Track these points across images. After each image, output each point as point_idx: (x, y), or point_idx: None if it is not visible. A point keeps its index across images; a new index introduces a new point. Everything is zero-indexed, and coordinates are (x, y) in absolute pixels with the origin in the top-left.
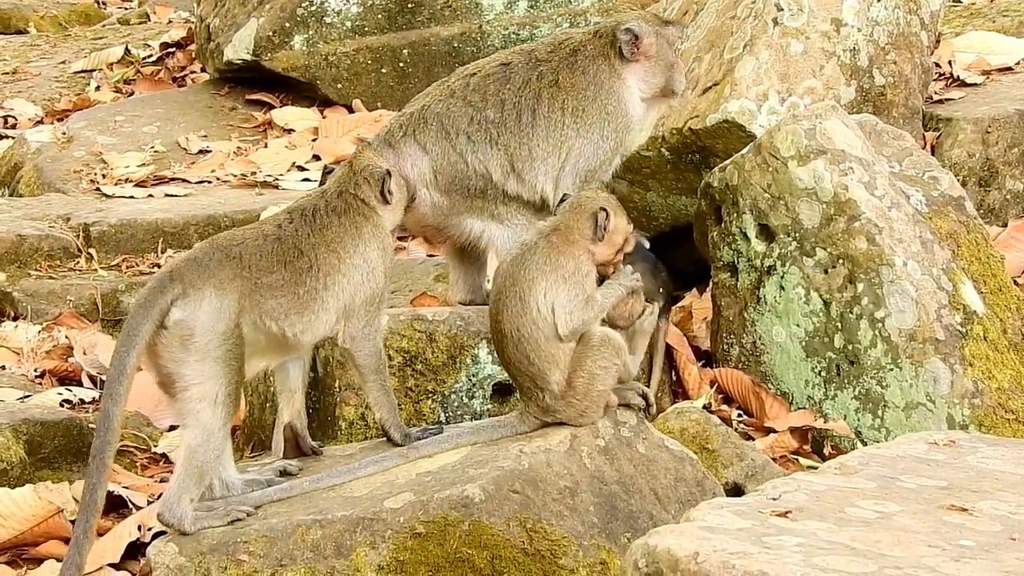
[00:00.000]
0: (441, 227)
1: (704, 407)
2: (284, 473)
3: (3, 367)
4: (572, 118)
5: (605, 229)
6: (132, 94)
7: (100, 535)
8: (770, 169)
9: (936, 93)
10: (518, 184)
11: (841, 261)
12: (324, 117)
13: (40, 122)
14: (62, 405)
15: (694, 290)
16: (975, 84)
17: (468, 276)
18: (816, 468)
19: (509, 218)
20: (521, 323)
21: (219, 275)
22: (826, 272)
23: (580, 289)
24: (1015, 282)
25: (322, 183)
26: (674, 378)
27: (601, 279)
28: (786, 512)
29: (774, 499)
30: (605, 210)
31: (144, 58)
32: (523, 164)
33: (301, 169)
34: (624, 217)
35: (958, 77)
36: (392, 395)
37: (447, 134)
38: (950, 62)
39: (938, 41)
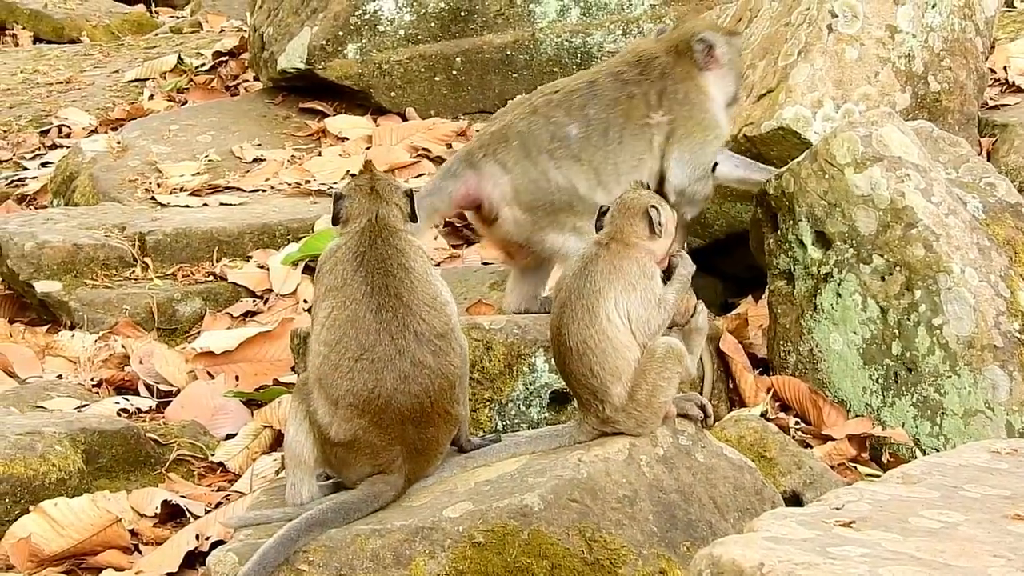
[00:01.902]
0: (524, 243)
1: (761, 415)
2: None
3: (60, 376)
4: (664, 137)
5: (660, 224)
6: (185, 103)
7: (158, 544)
8: (826, 176)
9: (991, 99)
10: (605, 197)
11: (898, 268)
12: (378, 125)
13: (94, 131)
14: (119, 414)
15: (749, 297)
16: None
17: (526, 286)
18: (875, 476)
19: (591, 232)
20: (589, 335)
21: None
22: (883, 279)
23: (650, 292)
24: None
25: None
26: (731, 386)
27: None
28: (850, 522)
29: (837, 509)
30: (655, 207)
31: (197, 67)
32: (609, 178)
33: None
34: (669, 206)
35: (1013, 83)
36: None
37: (528, 152)
38: (1005, 67)
39: (993, 47)
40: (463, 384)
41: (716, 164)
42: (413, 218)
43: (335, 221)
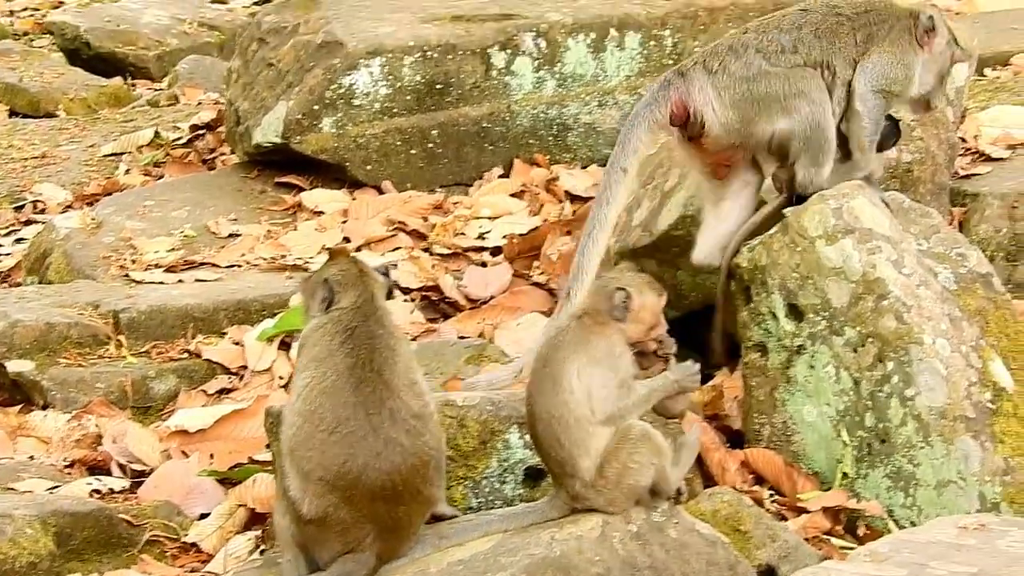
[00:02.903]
0: (738, 144)
1: (736, 488)
2: None
3: (32, 457)
4: (864, 48)
5: (625, 308)
6: (161, 177)
7: None
8: (798, 249)
9: (962, 168)
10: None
11: (870, 340)
12: (354, 199)
13: (69, 207)
14: (91, 495)
15: (725, 369)
16: (1001, 159)
17: (721, 228)
18: (850, 549)
19: (798, 107)
20: (553, 404)
21: None
22: (856, 351)
23: (614, 372)
24: None
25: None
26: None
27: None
28: None
29: None
30: (623, 289)
31: (173, 140)
32: (829, 64)
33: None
34: (654, 295)
35: (984, 152)
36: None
37: (737, 53)
38: (976, 137)
39: (964, 116)
40: (438, 466)
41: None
42: (389, 296)
43: (328, 305)
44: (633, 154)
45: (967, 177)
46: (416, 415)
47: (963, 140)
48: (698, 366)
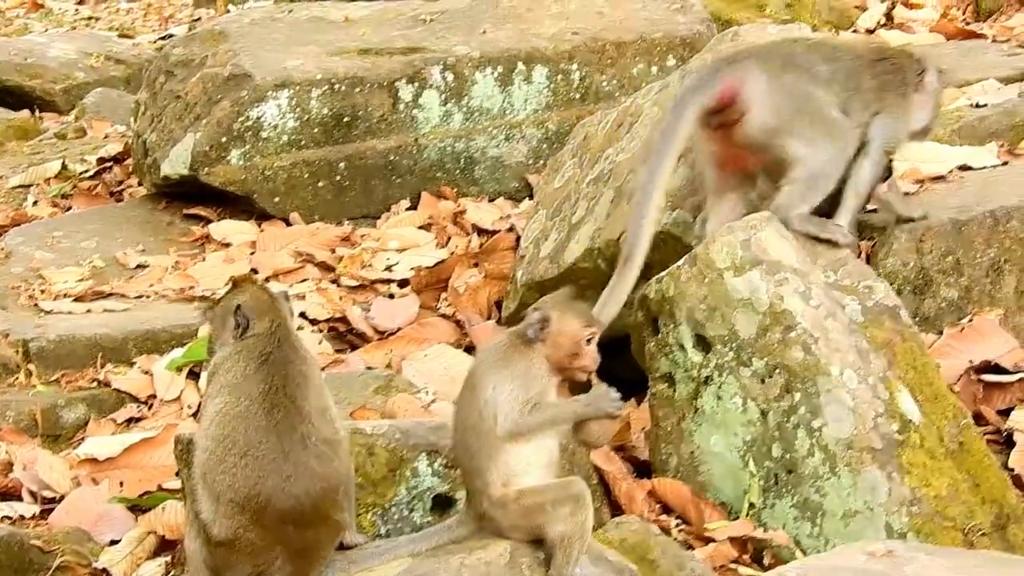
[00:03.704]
0: (762, 146)
1: (643, 517)
2: None
3: None
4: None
5: (540, 330)
6: (69, 208)
7: None
8: (706, 280)
9: (872, 201)
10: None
11: (778, 371)
12: (262, 231)
13: None
14: (2, 521)
15: (632, 400)
16: (908, 193)
17: (725, 220)
18: None
19: (823, 146)
20: (467, 413)
21: None
22: (763, 382)
23: (524, 391)
24: (952, 389)
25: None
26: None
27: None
28: None
29: None
30: (538, 310)
31: (81, 173)
32: (848, 108)
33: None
34: (577, 322)
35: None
36: None
37: (785, 65)
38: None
39: None
40: (347, 492)
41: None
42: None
43: (242, 330)
44: (678, 134)
45: (875, 211)
46: (327, 440)
47: None
48: (616, 393)
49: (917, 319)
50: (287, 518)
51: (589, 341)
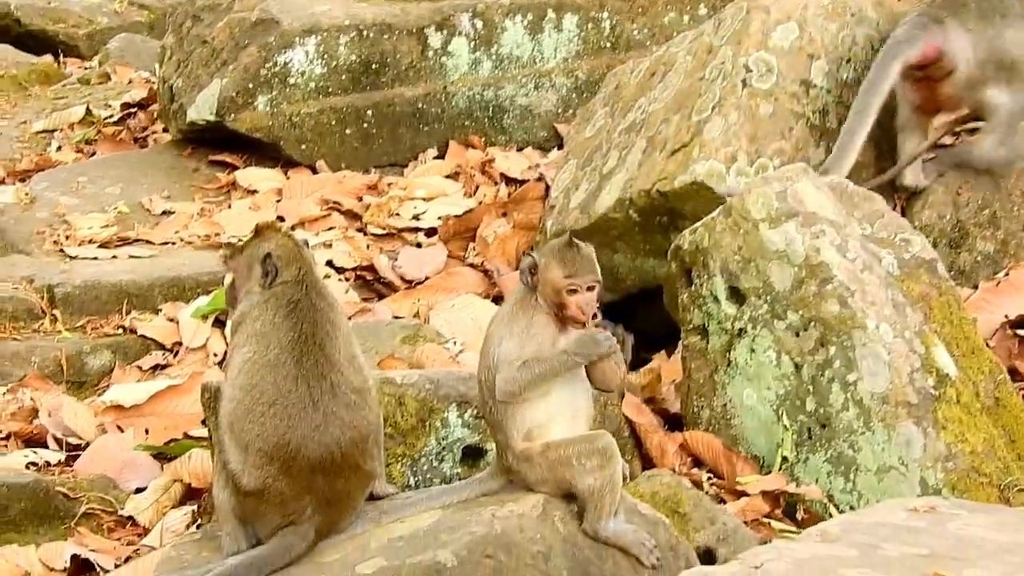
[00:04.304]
0: (964, 97)
1: (674, 471)
2: None
3: None
4: None
5: (531, 276)
6: (94, 154)
7: None
8: (741, 231)
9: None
10: None
11: (813, 324)
12: (288, 178)
13: (2, 182)
14: (28, 468)
15: (663, 352)
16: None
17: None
18: (790, 532)
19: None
20: (480, 369)
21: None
22: (797, 335)
23: (519, 348)
24: (987, 344)
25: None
26: (642, 447)
27: None
28: None
29: (756, 568)
30: (530, 255)
31: (105, 118)
32: None
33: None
34: (558, 270)
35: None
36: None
37: (984, 14)
38: None
39: None
40: (377, 440)
41: None
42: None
43: (270, 278)
44: (886, 81)
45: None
46: (356, 389)
47: None
48: (606, 333)
49: (952, 272)
50: (317, 467)
51: (573, 291)
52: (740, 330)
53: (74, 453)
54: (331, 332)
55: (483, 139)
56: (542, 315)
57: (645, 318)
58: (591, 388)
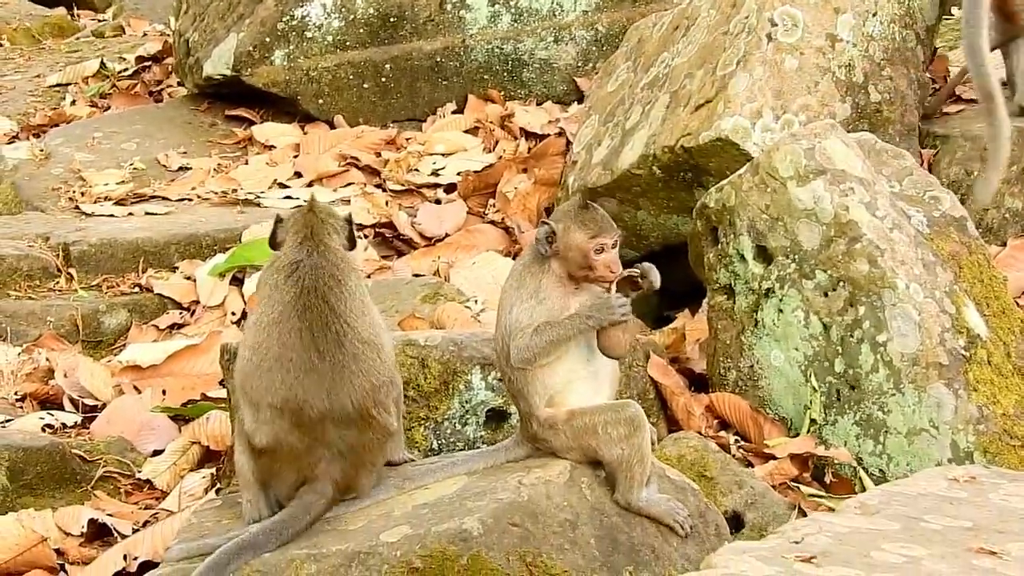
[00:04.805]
0: None
1: (701, 433)
2: None
3: None
4: None
5: (549, 244)
6: (108, 108)
7: (85, 564)
8: (768, 189)
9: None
10: None
11: (842, 284)
12: (305, 133)
13: (16, 137)
14: (44, 430)
15: (686, 311)
16: (972, 100)
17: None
18: (818, 496)
19: None
20: (496, 336)
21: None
22: (826, 295)
23: (529, 315)
24: (1016, 303)
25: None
26: (667, 410)
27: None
28: (811, 557)
29: (796, 543)
30: (546, 223)
31: (120, 72)
32: None
33: (282, 186)
34: (582, 234)
35: (954, 92)
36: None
37: None
38: (945, 77)
39: (933, 56)
40: (390, 392)
41: None
42: (351, 244)
43: (273, 243)
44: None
45: (936, 118)
46: (364, 340)
47: (933, 81)
48: (621, 298)
49: (980, 230)
50: (327, 416)
51: (600, 251)
52: (767, 290)
53: (91, 415)
54: (335, 287)
55: (502, 93)
56: (551, 278)
57: (668, 276)
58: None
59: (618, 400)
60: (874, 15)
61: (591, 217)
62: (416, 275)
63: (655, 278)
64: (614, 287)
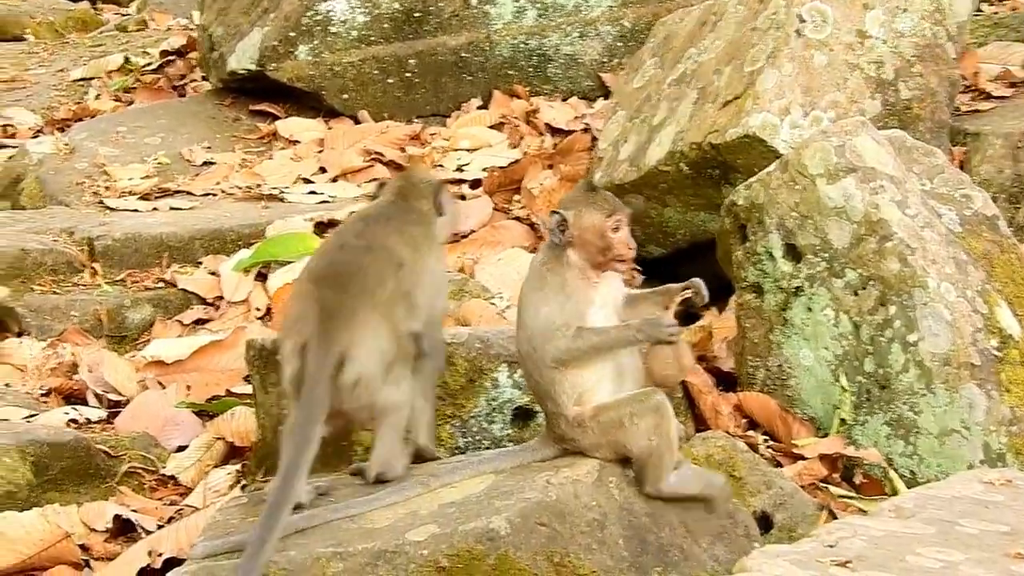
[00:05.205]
0: None
1: (729, 432)
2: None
3: (7, 385)
4: None
5: (561, 232)
6: (132, 103)
7: (109, 560)
8: (798, 187)
9: (963, 105)
10: None
11: (872, 282)
12: (330, 128)
13: (40, 131)
14: (68, 425)
15: (714, 309)
16: (1003, 97)
17: None
18: (848, 497)
19: None
20: (520, 338)
21: (359, 318)
22: (856, 294)
23: (559, 314)
24: None
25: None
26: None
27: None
28: (846, 562)
29: (831, 546)
30: (556, 212)
31: (144, 66)
32: None
33: (307, 181)
34: (598, 213)
35: (985, 90)
36: None
37: None
38: (976, 73)
39: (963, 52)
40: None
41: None
42: (439, 210)
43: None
44: None
45: (967, 115)
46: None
47: (963, 77)
48: (672, 320)
49: (1012, 228)
50: (323, 280)
51: (616, 229)
52: (797, 288)
53: (115, 410)
54: (395, 234)
55: (527, 89)
56: (573, 271)
57: (694, 273)
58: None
59: (641, 390)
60: (904, 11)
61: (602, 197)
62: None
63: (705, 293)
64: (671, 313)
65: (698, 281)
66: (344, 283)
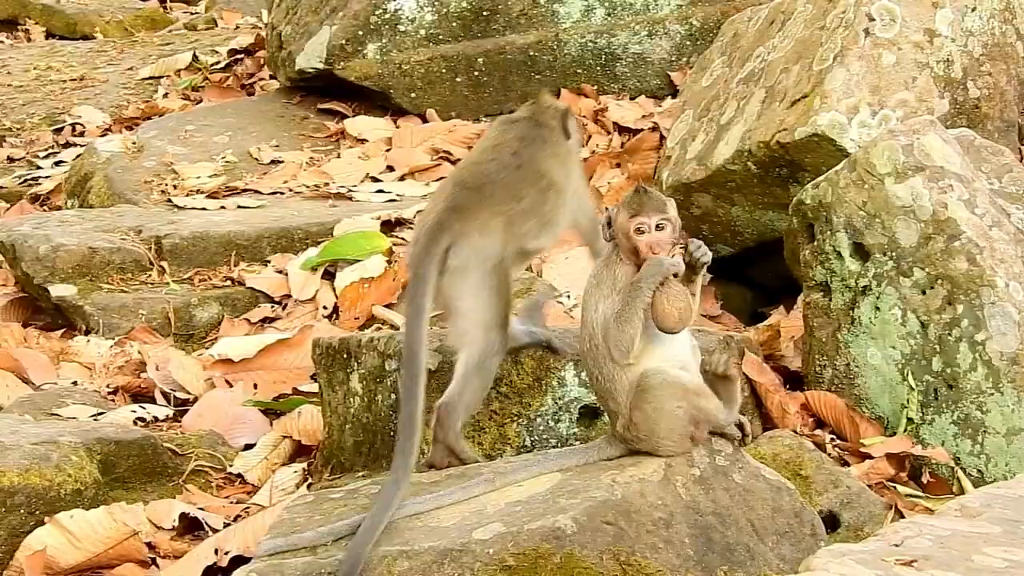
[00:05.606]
0: None
1: (796, 431)
2: None
3: (75, 383)
4: None
5: (608, 228)
6: (200, 101)
7: (176, 558)
8: (866, 186)
9: None
10: None
11: (940, 282)
12: (398, 127)
13: (108, 130)
14: (136, 423)
15: (781, 307)
16: None
17: None
18: (915, 496)
19: None
20: (583, 337)
21: (481, 217)
22: (924, 293)
23: (612, 308)
24: None
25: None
26: (762, 407)
27: None
28: (911, 561)
29: (896, 545)
30: (607, 210)
31: (212, 65)
32: None
33: (375, 180)
34: (624, 214)
35: None
36: None
37: None
38: None
39: None
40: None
41: None
42: (566, 134)
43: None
44: None
45: None
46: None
47: None
48: (667, 258)
49: None
50: (457, 182)
51: (640, 231)
52: (864, 287)
53: (182, 408)
54: (531, 144)
55: (595, 87)
56: (623, 268)
57: (762, 272)
58: (694, 341)
59: (634, 379)
60: (973, 10)
61: (636, 199)
62: None
63: (695, 249)
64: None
65: (695, 241)
66: (480, 187)
